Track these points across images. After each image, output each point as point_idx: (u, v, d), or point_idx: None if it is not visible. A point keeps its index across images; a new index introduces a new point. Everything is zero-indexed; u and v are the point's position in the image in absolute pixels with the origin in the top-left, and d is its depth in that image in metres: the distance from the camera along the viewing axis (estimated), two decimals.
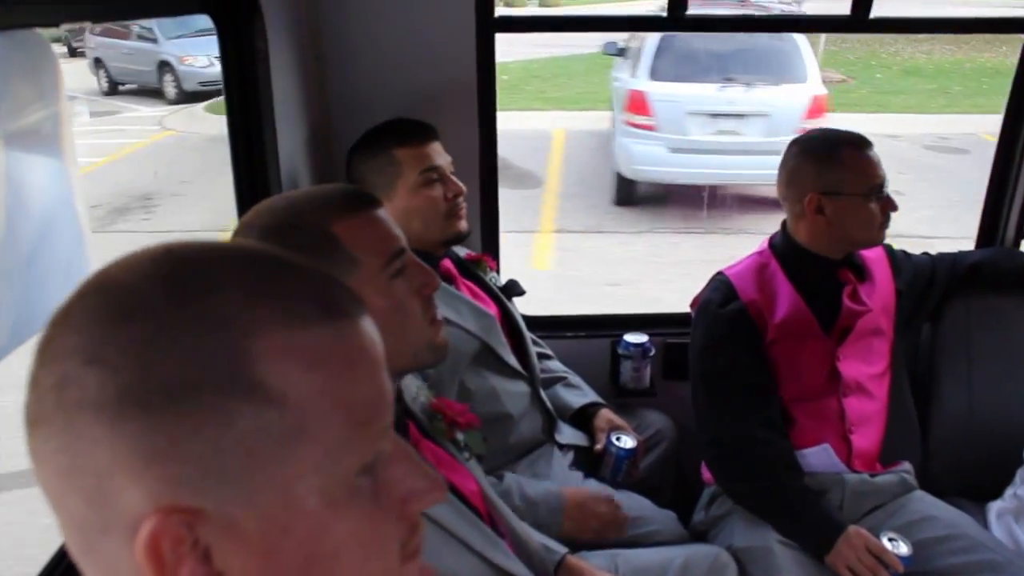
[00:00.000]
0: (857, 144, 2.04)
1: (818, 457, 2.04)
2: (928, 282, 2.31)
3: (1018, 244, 2.53)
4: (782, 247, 2.12)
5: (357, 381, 0.58)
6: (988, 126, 10.75)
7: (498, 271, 2.33)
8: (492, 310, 2.11)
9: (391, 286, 1.21)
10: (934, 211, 7.83)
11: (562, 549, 1.70)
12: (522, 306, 2.30)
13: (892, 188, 2.07)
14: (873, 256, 2.20)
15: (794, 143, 2.10)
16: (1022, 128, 2.45)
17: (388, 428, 0.61)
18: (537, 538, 1.69)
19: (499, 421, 2.04)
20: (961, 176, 9.21)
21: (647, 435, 2.30)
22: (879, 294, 2.15)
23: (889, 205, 2.04)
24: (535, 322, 2.44)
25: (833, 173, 2.02)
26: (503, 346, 2.06)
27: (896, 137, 10.67)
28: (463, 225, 2.02)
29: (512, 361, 2.08)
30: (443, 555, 1.35)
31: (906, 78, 15.28)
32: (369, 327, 0.61)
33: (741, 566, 1.92)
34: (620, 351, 2.40)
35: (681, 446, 2.36)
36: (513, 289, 2.24)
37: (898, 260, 2.26)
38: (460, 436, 1.59)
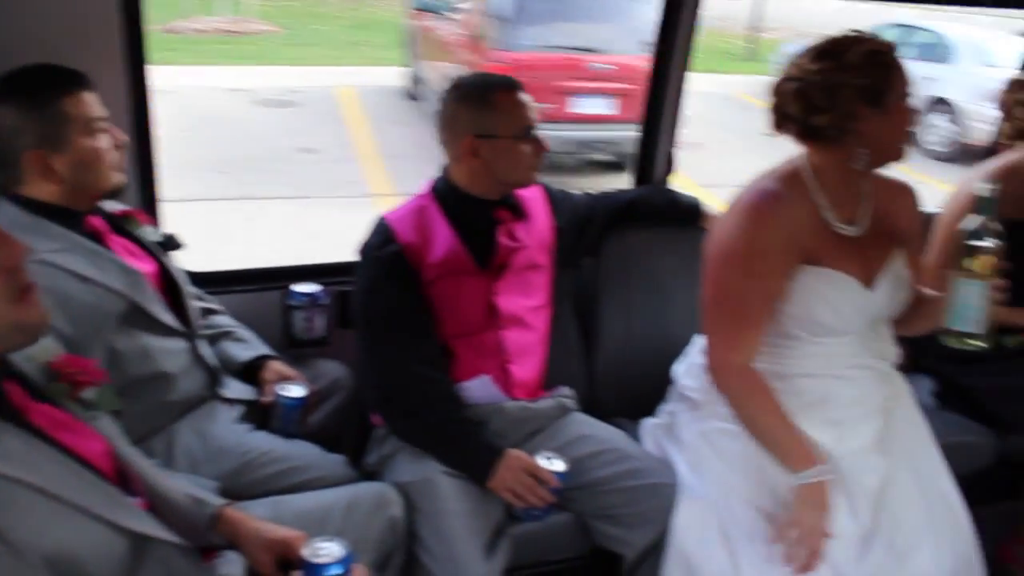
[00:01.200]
0: (508, 88, 2.12)
1: (478, 388, 2.12)
2: (587, 219, 2.44)
3: (665, 182, 2.75)
4: (442, 190, 2.18)
5: None
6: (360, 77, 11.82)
7: (156, 226, 2.22)
8: (148, 267, 2.02)
9: None
10: None
11: (218, 501, 1.64)
12: (195, 262, 2.22)
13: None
14: (531, 195, 2.30)
15: (451, 88, 2.15)
16: (667, 76, 2.65)
17: None
18: (187, 492, 1.62)
19: (155, 380, 1.95)
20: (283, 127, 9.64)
21: (322, 385, 2.29)
22: (536, 231, 2.26)
23: (540, 146, 2.14)
24: (205, 278, 2.36)
25: (486, 117, 2.09)
26: (156, 303, 1.97)
27: (237, 91, 10.98)
28: (121, 177, 1.93)
29: (167, 318, 1.99)
30: (54, 527, 1.27)
31: (359, 32, 16.10)
32: None
33: (409, 501, 1.97)
34: (290, 302, 2.37)
35: (358, 394, 2.37)
36: (171, 243, 2.15)
37: (556, 199, 2.37)
38: (88, 394, 1.51)
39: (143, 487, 1.53)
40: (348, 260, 2.37)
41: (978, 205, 1.80)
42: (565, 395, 2.28)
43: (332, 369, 2.37)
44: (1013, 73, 2.71)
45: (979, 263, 1.79)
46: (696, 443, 2.11)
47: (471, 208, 2.16)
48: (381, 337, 2.07)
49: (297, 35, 15.18)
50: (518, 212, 2.23)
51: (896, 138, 1.91)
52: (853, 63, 1.84)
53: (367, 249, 2.12)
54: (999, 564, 2.64)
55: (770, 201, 1.92)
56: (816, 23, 6.25)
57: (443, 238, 2.12)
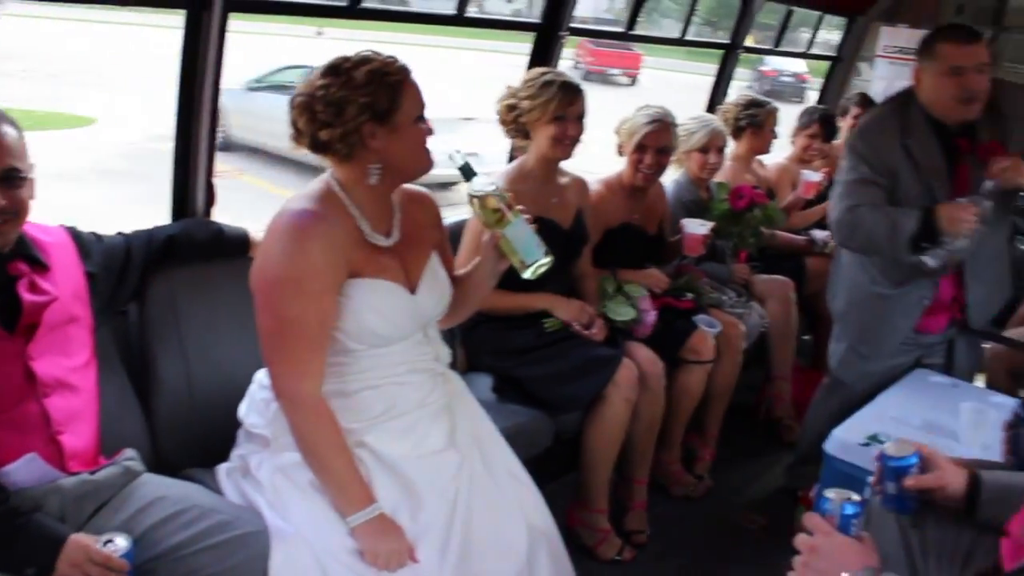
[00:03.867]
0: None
1: (25, 470, 1.82)
2: (124, 261, 2.24)
3: (208, 214, 2.61)
4: None
5: None
6: None
7: None
8: None
9: None
10: None
11: None
12: None
13: None
14: (55, 242, 2.04)
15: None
16: (199, 103, 2.51)
17: None
18: None
19: None
20: None
21: None
22: (65, 280, 2.01)
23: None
24: None
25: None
26: None
27: None
28: None
29: None
30: None
31: None
32: None
33: None
34: None
35: None
36: None
37: (86, 243, 2.14)
38: None
39: None
40: None
41: (463, 174, 2.05)
42: (129, 458, 2.05)
43: None
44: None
45: (501, 205, 2.03)
46: (274, 481, 2.04)
47: None
48: None
49: None
50: (37, 262, 1.96)
51: (408, 155, 2.02)
52: (359, 81, 1.93)
53: None
54: (570, 529, 2.94)
55: (310, 220, 1.94)
56: None
57: None
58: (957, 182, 2.92)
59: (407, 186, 2.16)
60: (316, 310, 1.93)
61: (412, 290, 2.09)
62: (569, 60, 20.85)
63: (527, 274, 2.08)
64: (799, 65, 21.60)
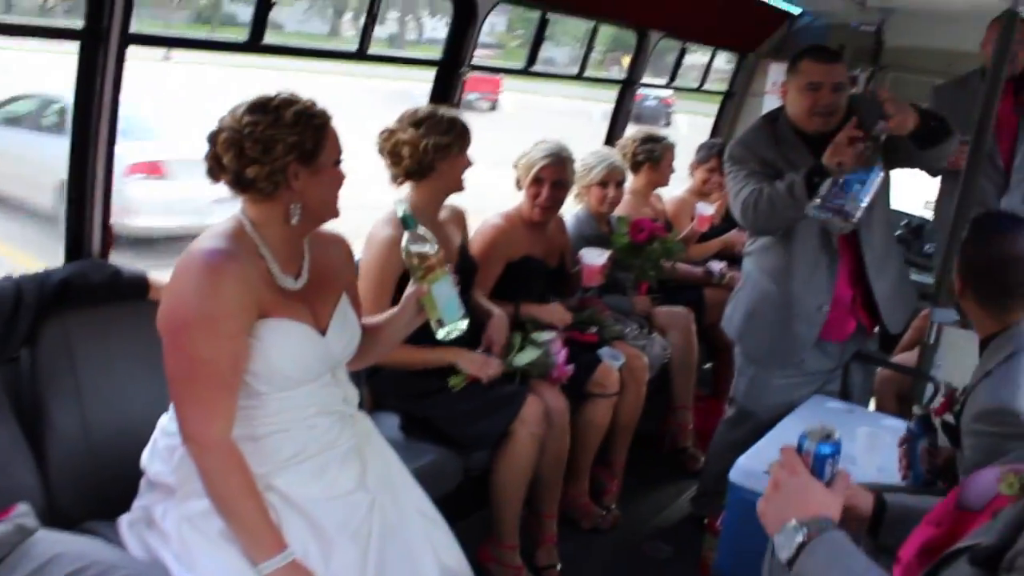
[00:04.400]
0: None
1: None
2: (13, 306, 2.16)
3: (105, 256, 2.53)
4: None
5: None
6: None
7: None
8: None
9: None
10: None
11: None
12: None
13: None
14: None
15: None
16: (95, 141, 2.44)
17: None
18: None
19: None
20: None
21: None
22: None
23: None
24: None
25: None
26: None
27: None
28: None
29: None
30: None
31: None
32: None
33: None
34: None
35: None
36: None
37: None
38: None
39: None
40: None
41: (404, 223, 2.09)
42: (21, 514, 1.94)
43: None
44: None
45: (434, 262, 2.06)
46: (181, 532, 1.97)
47: None
48: None
49: None
50: None
51: (325, 199, 2.05)
52: (287, 120, 1.93)
53: None
54: (482, 566, 2.93)
55: (223, 259, 1.91)
56: None
57: None
58: None
59: (320, 228, 2.16)
60: (230, 351, 1.90)
61: (323, 332, 2.07)
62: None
63: (441, 334, 2.10)
64: (665, 91, 21.47)
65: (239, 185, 1.98)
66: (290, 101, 1.97)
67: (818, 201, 2.88)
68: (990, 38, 3.91)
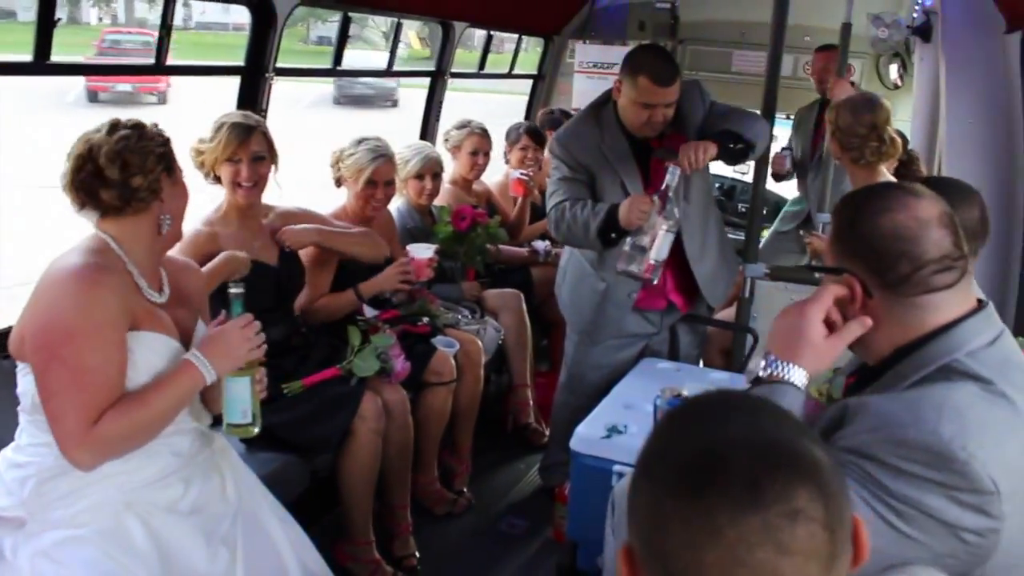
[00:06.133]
0: None
1: None
2: None
3: None
4: None
5: None
6: None
7: None
8: None
9: None
10: None
11: None
12: None
13: None
14: None
15: None
16: None
17: None
18: None
19: None
20: None
21: None
22: None
23: None
24: None
25: None
26: None
27: None
28: None
29: None
30: None
31: None
32: None
33: None
34: None
35: None
36: None
37: None
38: None
39: None
40: None
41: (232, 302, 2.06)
42: None
43: None
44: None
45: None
46: (36, 566, 1.91)
47: None
48: None
49: None
50: None
51: (182, 211, 2.13)
52: (149, 134, 2.02)
53: None
54: (340, 567, 2.93)
55: (96, 272, 1.93)
56: None
57: None
58: (653, 176, 3.25)
59: (171, 255, 2.23)
60: (118, 357, 1.92)
61: (186, 347, 2.06)
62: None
63: (222, 426, 2.08)
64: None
65: (120, 199, 1.97)
66: (138, 122, 2.03)
67: (619, 266, 3.07)
68: (817, 67, 4.87)
